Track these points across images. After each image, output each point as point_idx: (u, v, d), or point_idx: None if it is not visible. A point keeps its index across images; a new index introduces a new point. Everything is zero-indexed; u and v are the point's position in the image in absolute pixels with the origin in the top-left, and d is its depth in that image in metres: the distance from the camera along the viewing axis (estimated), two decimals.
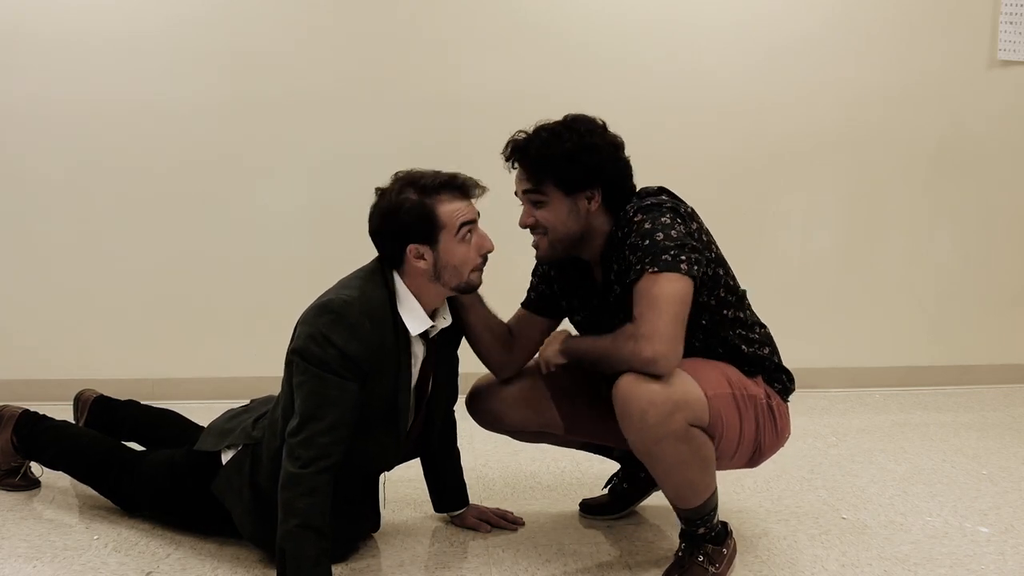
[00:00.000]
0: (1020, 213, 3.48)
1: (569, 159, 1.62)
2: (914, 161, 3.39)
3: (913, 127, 3.37)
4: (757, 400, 1.67)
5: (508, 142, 1.68)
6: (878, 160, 3.37)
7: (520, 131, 1.68)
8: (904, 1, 3.30)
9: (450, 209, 1.62)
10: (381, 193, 1.66)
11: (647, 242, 1.56)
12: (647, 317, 1.50)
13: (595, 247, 1.71)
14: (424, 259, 1.63)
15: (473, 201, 1.67)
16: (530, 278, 1.90)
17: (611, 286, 1.70)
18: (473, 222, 1.66)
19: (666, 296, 1.51)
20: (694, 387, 1.55)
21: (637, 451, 1.56)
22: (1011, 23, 3.33)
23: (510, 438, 1.98)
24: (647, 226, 1.58)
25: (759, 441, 1.68)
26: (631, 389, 1.49)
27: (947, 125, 3.38)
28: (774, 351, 1.77)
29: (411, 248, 1.63)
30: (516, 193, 1.71)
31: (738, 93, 3.26)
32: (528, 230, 1.72)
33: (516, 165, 1.68)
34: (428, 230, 1.62)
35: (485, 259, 1.69)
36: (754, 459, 1.72)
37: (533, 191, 1.66)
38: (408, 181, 1.64)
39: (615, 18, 3.18)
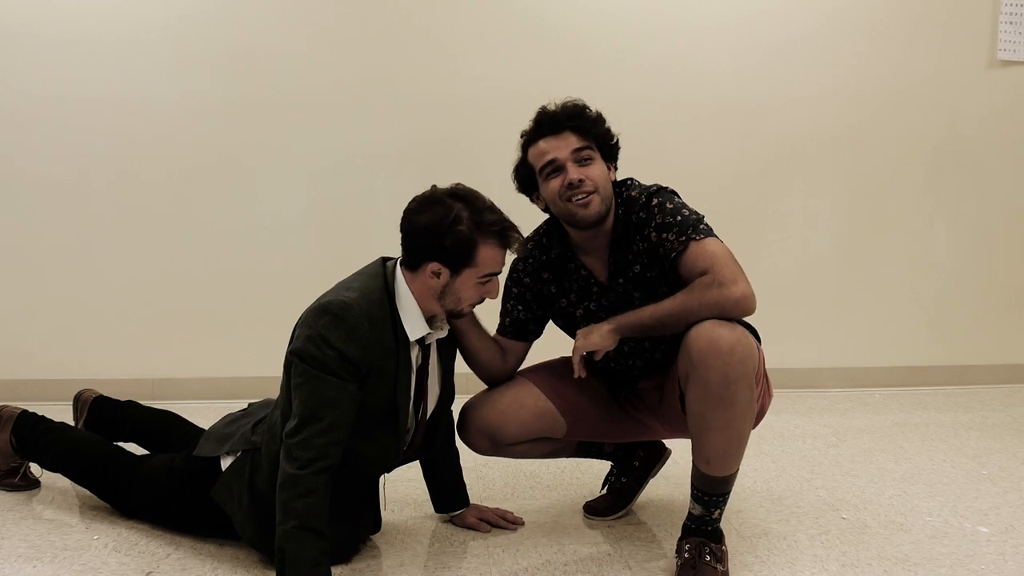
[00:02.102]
0: (1020, 213, 3.48)
1: (604, 125, 1.76)
2: (914, 161, 3.40)
3: (913, 127, 3.37)
4: (763, 359, 1.74)
5: (544, 114, 1.74)
6: (878, 160, 3.38)
7: (544, 106, 1.75)
8: (904, 1, 3.30)
9: (489, 256, 1.64)
10: (435, 199, 1.64)
11: (679, 218, 1.67)
12: (720, 266, 1.59)
13: (604, 225, 1.76)
14: (438, 278, 1.65)
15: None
16: (502, 304, 1.91)
17: (624, 267, 1.74)
18: (498, 274, 1.69)
19: (723, 252, 1.63)
20: (751, 337, 1.63)
21: (711, 394, 1.54)
22: (1011, 23, 3.33)
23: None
24: (669, 206, 1.69)
25: (763, 400, 1.75)
26: (716, 329, 1.54)
27: (947, 125, 3.39)
28: None
29: (433, 264, 1.64)
30: (545, 165, 1.73)
31: (738, 93, 3.26)
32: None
33: (553, 132, 1.73)
34: (460, 261, 1.63)
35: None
36: (756, 419, 1.76)
37: (585, 148, 1.73)
38: (470, 207, 1.63)
39: (615, 18, 3.18)
